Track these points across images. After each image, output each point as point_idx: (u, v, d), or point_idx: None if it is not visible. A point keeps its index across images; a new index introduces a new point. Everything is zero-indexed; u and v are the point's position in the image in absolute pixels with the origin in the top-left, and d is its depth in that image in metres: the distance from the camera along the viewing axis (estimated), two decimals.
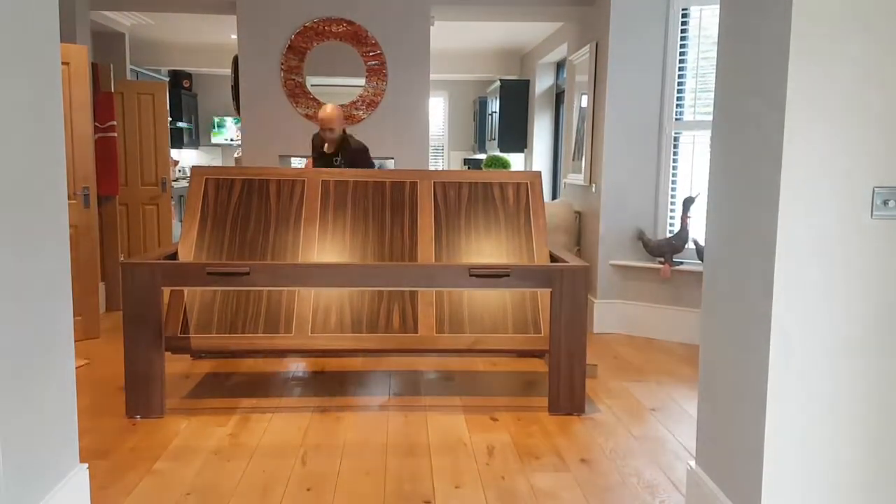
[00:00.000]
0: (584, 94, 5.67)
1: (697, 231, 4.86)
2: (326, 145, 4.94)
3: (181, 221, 4.15)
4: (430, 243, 4.10)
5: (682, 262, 5.00)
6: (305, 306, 3.90)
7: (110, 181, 5.74)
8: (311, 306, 3.91)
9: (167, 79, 9.26)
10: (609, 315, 5.31)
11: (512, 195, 4.24)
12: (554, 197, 8.06)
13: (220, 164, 10.78)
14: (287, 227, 4.10)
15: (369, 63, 5.77)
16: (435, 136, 10.78)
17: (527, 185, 4.26)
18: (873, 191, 1.94)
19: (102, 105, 5.73)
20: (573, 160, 6.11)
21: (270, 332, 3.82)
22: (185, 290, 3.90)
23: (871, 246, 1.96)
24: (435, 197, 4.20)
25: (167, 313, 3.82)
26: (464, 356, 4.66)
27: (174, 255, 3.95)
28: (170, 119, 7.54)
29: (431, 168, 9.31)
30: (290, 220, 4.11)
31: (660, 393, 4.01)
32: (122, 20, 6.95)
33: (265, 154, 5.76)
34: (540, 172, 4.36)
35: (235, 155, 9.39)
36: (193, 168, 4.25)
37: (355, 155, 4.93)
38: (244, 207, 4.12)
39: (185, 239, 4.01)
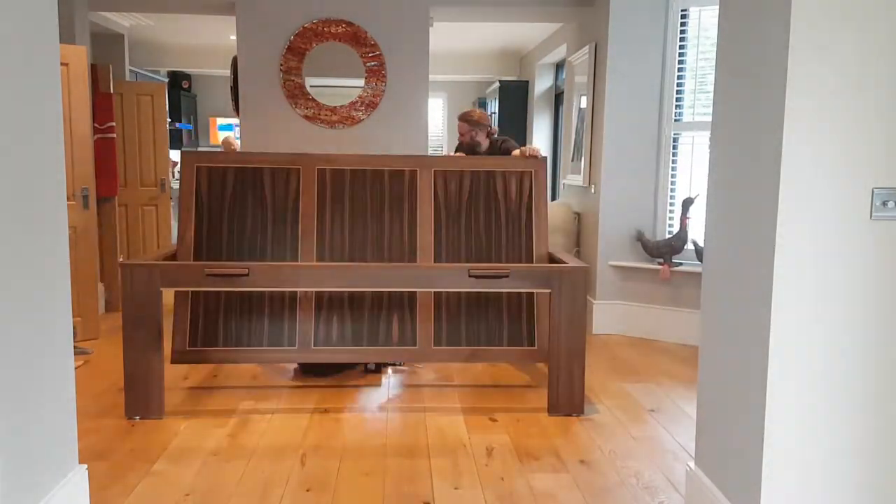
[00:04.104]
0: (584, 94, 5.68)
1: (697, 232, 4.87)
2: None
3: (179, 221, 4.13)
4: (429, 235, 4.09)
5: (681, 263, 5.00)
6: (307, 319, 3.99)
7: (109, 182, 5.74)
8: (312, 319, 4.00)
9: (166, 80, 9.24)
10: (608, 316, 5.31)
11: (515, 184, 4.18)
12: (553, 198, 8.06)
13: None
14: (285, 215, 4.05)
15: (368, 64, 5.77)
16: (434, 137, 10.78)
17: (531, 174, 4.19)
18: (872, 191, 1.94)
19: (101, 106, 5.73)
20: (572, 161, 6.11)
21: (275, 345, 3.97)
22: (189, 300, 3.97)
23: (870, 246, 1.96)
24: (435, 186, 4.15)
25: (174, 325, 3.95)
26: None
27: (173, 256, 3.95)
28: (169, 120, 7.53)
29: None
30: (288, 208, 4.05)
31: (659, 394, 4.01)
32: (122, 21, 6.94)
33: None
34: (545, 159, 4.23)
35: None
36: (183, 154, 4.12)
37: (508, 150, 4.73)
38: (240, 198, 4.05)
39: (181, 238, 3.99)
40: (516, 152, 4.43)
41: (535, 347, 4.03)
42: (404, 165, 4.19)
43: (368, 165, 4.15)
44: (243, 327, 3.96)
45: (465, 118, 4.83)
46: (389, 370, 4.36)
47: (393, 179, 4.15)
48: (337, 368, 4.27)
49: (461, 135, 4.84)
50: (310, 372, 4.23)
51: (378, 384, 4.11)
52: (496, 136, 4.89)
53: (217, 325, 3.96)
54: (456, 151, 5.08)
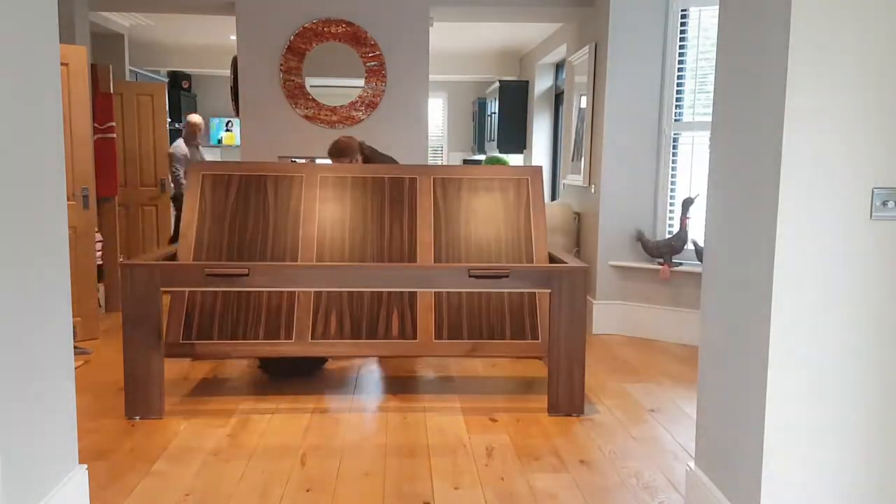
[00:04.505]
0: (584, 94, 5.68)
1: (697, 232, 4.87)
2: None
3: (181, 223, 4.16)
4: (429, 239, 4.10)
5: (681, 263, 5.00)
6: (305, 312, 3.93)
7: (109, 182, 5.74)
8: (310, 312, 3.94)
9: (166, 80, 9.25)
10: (608, 316, 5.31)
11: (512, 191, 4.23)
12: (553, 198, 8.06)
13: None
14: (286, 224, 4.09)
15: (368, 64, 5.77)
16: (434, 137, 10.78)
17: (527, 181, 4.24)
18: (872, 191, 1.94)
19: (101, 106, 5.74)
20: (572, 161, 6.11)
21: (271, 338, 3.88)
22: (186, 295, 3.92)
23: (870, 246, 1.96)
24: (434, 193, 4.19)
25: (169, 319, 3.87)
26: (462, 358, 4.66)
27: (173, 256, 3.95)
28: (169, 120, 7.54)
29: None
30: (289, 217, 4.09)
31: (659, 394, 4.01)
32: (122, 21, 6.95)
33: (264, 155, 5.77)
34: (540, 167, 4.30)
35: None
36: (191, 164, 4.20)
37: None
38: (242, 204, 4.10)
39: (183, 238, 4.01)
40: None
41: (539, 341, 3.97)
42: (403, 173, 4.24)
43: (369, 174, 4.21)
44: (239, 321, 3.90)
45: (330, 154, 4.51)
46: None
47: (393, 186, 4.18)
48: (305, 369, 4.22)
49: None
50: (275, 374, 4.19)
51: (375, 380, 4.12)
52: (373, 150, 4.61)
53: (212, 319, 3.90)
54: None
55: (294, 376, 4.16)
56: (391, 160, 4.65)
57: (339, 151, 4.49)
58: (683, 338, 5.03)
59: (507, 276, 3.47)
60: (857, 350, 2.00)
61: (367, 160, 4.53)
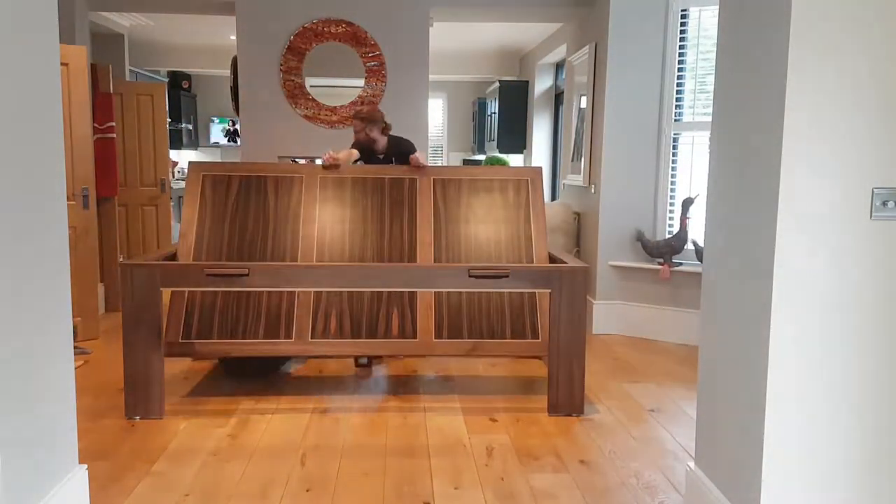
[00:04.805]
0: (584, 94, 5.68)
1: (697, 232, 4.87)
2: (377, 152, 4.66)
3: (180, 222, 4.15)
4: (429, 239, 4.10)
5: (681, 263, 5.00)
6: (305, 311, 3.92)
7: (109, 182, 5.74)
8: (310, 311, 3.93)
9: (166, 80, 9.25)
10: (608, 316, 5.31)
11: (512, 192, 4.23)
12: (553, 198, 8.06)
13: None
14: (286, 224, 4.09)
15: (368, 64, 5.77)
16: (434, 137, 10.77)
17: (527, 182, 4.25)
18: (872, 192, 1.94)
19: (101, 106, 5.73)
20: (572, 161, 6.11)
21: (271, 337, 3.87)
22: (186, 294, 3.91)
23: (870, 247, 1.96)
24: (434, 194, 4.19)
25: (168, 318, 3.86)
26: (462, 358, 4.66)
27: (174, 256, 3.95)
28: (169, 120, 7.53)
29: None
30: (289, 217, 4.10)
31: (659, 394, 4.01)
32: (122, 21, 6.95)
33: (264, 155, 5.77)
34: (540, 168, 4.32)
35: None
36: (191, 164, 4.18)
37: (405, 150, 4.63)
38: (242, 205, 4.10)
39: (183, 238, 4.00)
40: (412, 157, 4.33)
41: (539, 341, 3.96)
42: (403, 174, 4.25)
43: (369, 174, 4.23)
44: (239, 320, 3.90)
45: (356, 115, 4.69)
46: (375, 367, 4.36)
47: (393, 186, 4.19)
48: (264, 370, 4.20)
49: (356, 132, 4.68)
50: (234, 373, 4.18)
51: (371, 376, 4.12)
52: (391, 133, 4.70)
53: (212, 318, 3.89)
54: (352, 147, 4.78)
55: (254, 377, 4.15)
56: (410, 143, 4.66)
57: (366, 116, 4.59)
58: (683, 338, 5.03)
59: (507, 276, 3.47)
60: (857, 350, 2.00)
61: (389, 138, 4.61)
